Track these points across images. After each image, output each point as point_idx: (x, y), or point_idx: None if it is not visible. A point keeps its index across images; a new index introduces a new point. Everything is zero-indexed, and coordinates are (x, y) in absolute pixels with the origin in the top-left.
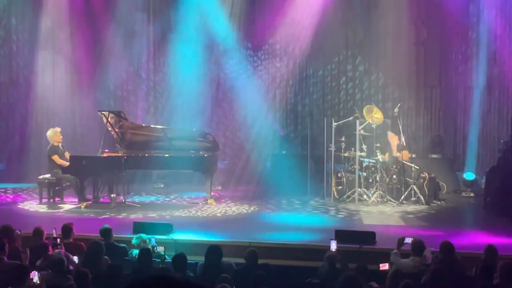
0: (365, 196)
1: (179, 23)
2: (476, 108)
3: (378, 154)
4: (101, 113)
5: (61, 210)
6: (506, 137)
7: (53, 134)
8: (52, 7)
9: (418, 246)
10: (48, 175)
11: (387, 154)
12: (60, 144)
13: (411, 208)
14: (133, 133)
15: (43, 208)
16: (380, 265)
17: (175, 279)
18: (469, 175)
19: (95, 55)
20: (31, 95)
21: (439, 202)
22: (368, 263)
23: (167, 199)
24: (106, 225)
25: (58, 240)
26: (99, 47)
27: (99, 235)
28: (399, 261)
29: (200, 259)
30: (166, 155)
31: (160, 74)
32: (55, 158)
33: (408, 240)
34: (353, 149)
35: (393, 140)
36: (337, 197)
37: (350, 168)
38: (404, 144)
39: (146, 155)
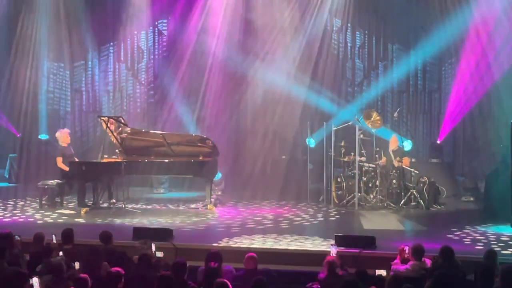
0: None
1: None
2: (475, 112)
3: (377, 158)
4: (101, 119)
5: (61, 216)
6: (505, 141)
7: (61, 135)
8: None
9: (418, 251)
10: (49, 181)
11: (384, 158)
12: (68, 144)
13: (411, 212)
14: (132, 139)
15: (43, 214)
16: (376, 270)
17: None
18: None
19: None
20: None
21: (439, 207)
22: (368, 268)
23: (166, 204)
24: (106, 231)
25: (58, 246)
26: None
27: (99, 240)
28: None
29: (200, 264)
30: (166, 161)
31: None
32: (58, 160)
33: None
34: (352, 153)
35: (393, 144)
36: (336, 202)
37: (350, 173)
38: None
39: (146, 160)
